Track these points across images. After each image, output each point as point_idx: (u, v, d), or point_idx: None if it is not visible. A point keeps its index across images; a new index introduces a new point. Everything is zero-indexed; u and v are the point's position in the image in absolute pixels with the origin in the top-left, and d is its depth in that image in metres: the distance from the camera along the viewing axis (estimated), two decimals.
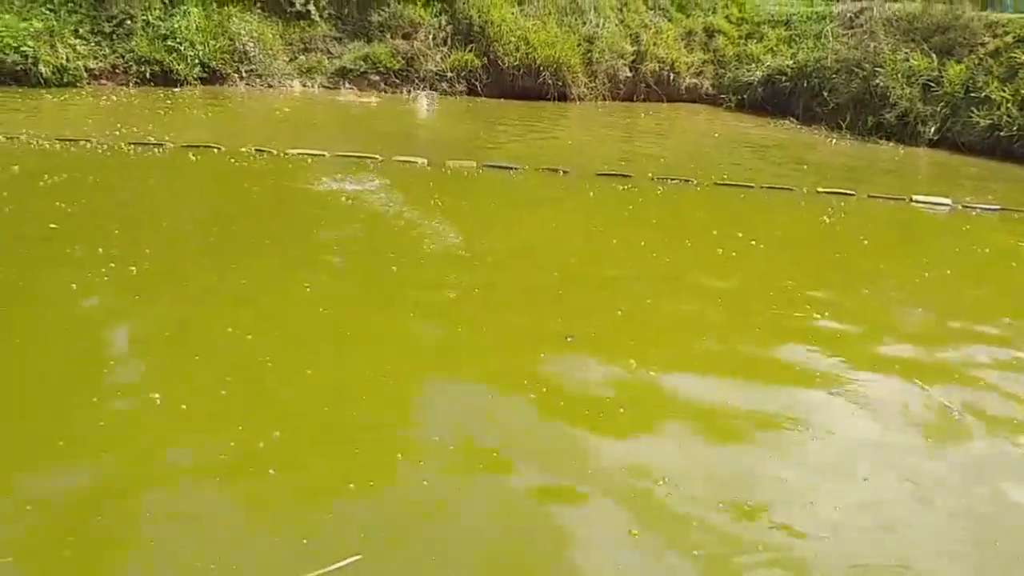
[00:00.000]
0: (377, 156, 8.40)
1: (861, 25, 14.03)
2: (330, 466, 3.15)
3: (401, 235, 6.07)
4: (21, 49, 11.35)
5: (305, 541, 2.67)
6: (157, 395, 3.49)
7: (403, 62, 14.15)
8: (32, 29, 11.62)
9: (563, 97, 14.63)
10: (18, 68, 11.37)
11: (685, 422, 3.64)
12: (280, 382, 3.71)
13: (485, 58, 14.39)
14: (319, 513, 2.84)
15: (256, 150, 8.38)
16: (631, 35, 15.49)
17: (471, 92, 14.46)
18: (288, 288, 4.77)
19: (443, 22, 14.47)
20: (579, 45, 14.82)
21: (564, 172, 8.35)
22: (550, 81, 14.44)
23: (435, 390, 3.81)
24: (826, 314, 4.92)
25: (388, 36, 14.36)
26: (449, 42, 14.52)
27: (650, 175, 8.42)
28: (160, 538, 2.67)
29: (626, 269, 5.67)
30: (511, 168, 8.35)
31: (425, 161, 8.38)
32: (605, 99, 15.29)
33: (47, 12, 12.06)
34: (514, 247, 6.05)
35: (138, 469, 3.05)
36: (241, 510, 2.88)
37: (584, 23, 15.12)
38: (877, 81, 12.36)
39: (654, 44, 15.42)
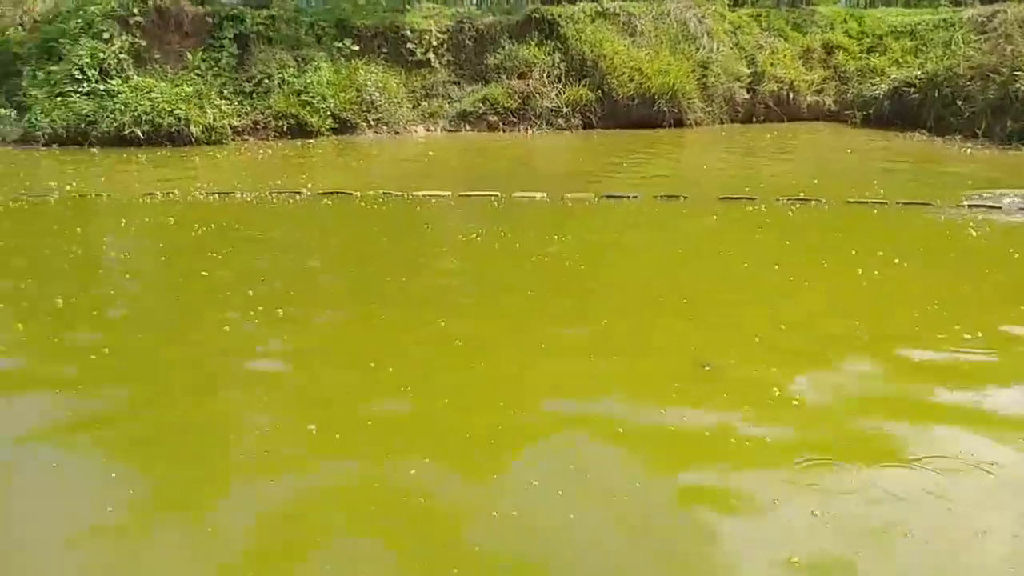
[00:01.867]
0: (497, 193, 8.65)
1: (995, 29, 13.35)
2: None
3: (525, 268, 6.22)
4: (175, 112, 12.44)
5: None
6: (313, 426, 3.70)
7: (519, 101, 14.54)
8: (183, 94, 12.73)
9: (679, 123, 14.62)
10: (172, 129, 12.44)
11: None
12: (419, 422, 3.87)
13: (599, 91, 14.59)
14: None
15: (384, 193, 8.79)
16: (746, 57, 15.34)
17: (586, 125, 14.67)
18: (423, 325, 4.95)
19: (556, 60, 14.78)
20: (693, 71, 14.81)
21: (684, 198, 8.34)
22: (665, 108, 14.47)
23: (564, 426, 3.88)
24: (979, 335, 4.66)
25: (504, 77, 14.81)
26: (563, 78, 14.81)
27: (776, 196, 8.27)
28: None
29: (759, 293, 5.58)
30: (630, 197, 8.42)
31: (544, 195, 8.55)
32: (722, 122, 15.17)
33: (196, 77, 13.20)
34: (638, 275, 6.08)
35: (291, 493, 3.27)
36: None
37: (697, 49, 15.10)
38: (1017, 86, 11.68)
39: (771, 64, 15.21)
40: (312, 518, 3.06)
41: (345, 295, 5.76)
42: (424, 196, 8.71)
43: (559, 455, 3.48)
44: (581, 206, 8.26)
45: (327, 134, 13.50)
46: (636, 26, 15.23)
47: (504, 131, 14.50)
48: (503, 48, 14.90)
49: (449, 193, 8.79)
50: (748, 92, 15.21)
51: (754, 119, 15.28)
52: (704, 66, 14.90)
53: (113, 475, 3.38)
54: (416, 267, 6.38)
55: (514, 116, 14.60)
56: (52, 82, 12.89)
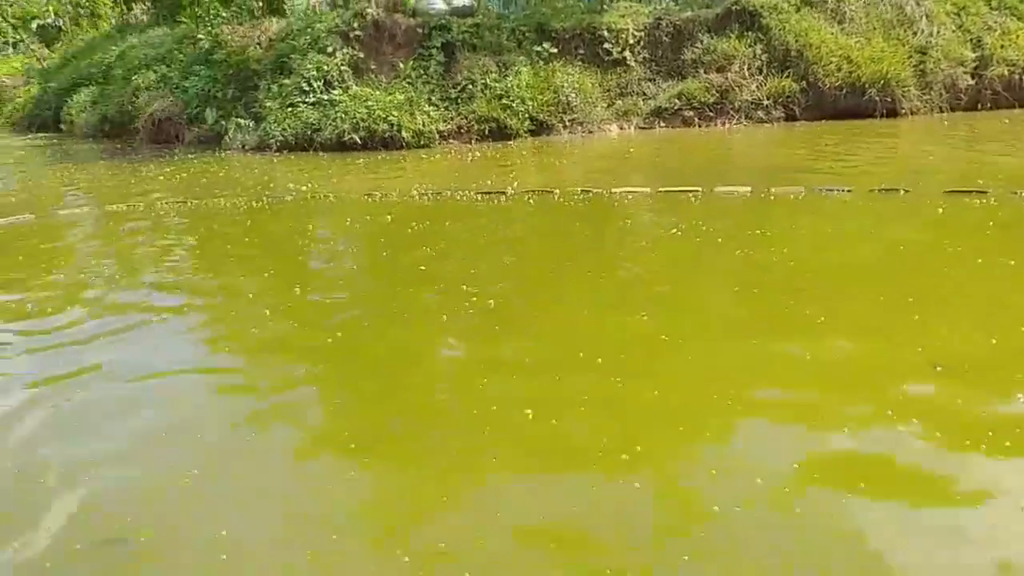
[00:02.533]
0: (698, 188, 8.57)
1: None
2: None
3: (729, 263, 6.15)
4: (388, 118, 13.39)
5: None
6: (530, 411, 3.91)
7: (716, 95, 14.27)
8: (396, 101, 13.67)
9: (892, 113, 13.72)
10: (386, 135, 13.42)
11: None
12: (634, 403, 3.96)
13: (803, 81, 14.01)
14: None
15: (584, 191, 8.98)
16: (972, 40, 14.11)
17: (788, 117, 14.14)
18: (626, 319, 5.05)
19: (758, 51, 14.36)
20: (909, 57, 13.86)
21: (905, 191, 7.85)
22: (876, 98, 13.65)
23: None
24: None
25: (701, 71, 14.60)
26: (764, 70, 14.36)
27: (1013, 189, 7.57)
28: None
29: (996, 291, 5.18)
30: (841, 191, 8.05)
31: (748, 190, 8.37)
32: (941, 111, 14.06)
33: (407, 85, 14.14)
34: (855, 270, 5.83)
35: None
36: None
37: (914, 33, 14.09)
38: None
39: (1001, 47, 13.87)
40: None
41: (549, 288, 5.93)
42: (622, 193, 8.81)
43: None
44: (788, 200, 8.00)
45: (525, 136, 13.96)
46: (845, 13, 14.47)
47: (700, 126, 14.28)
48: (701, 42, 14.70)
49: (648, 189, 8.84)
50: (972, 78, 13.98)
51: (979, 107, 14.02)
52: (922, 52, 13.90)
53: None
54: (615, 261, 6.50)
55: (711, 111, 14.35)
56: (283, 94, 14.32)
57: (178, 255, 7.47)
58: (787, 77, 14.08)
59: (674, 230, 7.17)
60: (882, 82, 13.56)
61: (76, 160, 15.24)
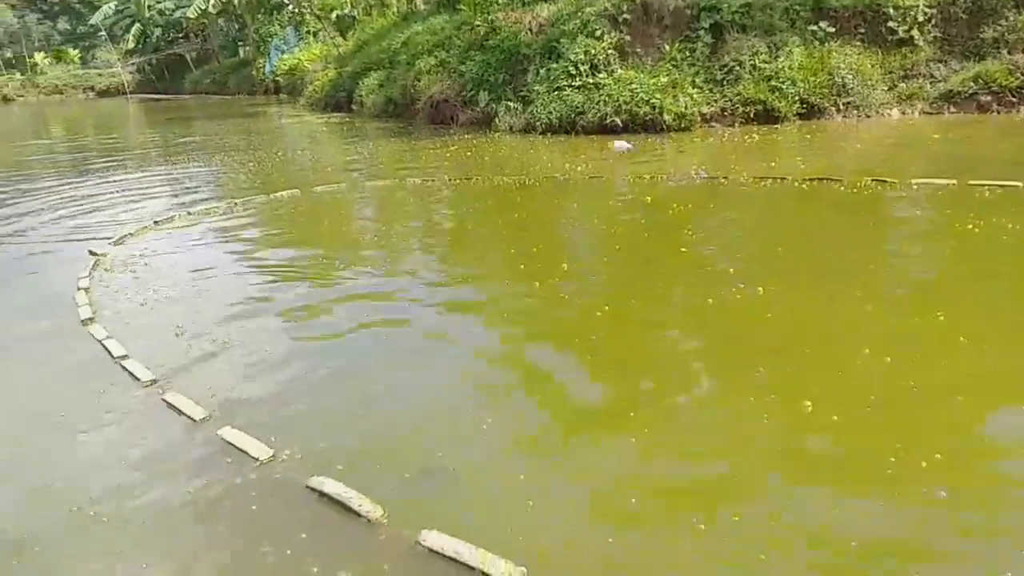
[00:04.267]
0: (1018, 184, 7.71)
1: None
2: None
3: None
4: (651, 101, 13.45)
5: None
6: (809, 403, 3.85)
7: (1022, 78, 12.67)
8: (659, 84, 13.68)
9: None
10: (648, 118, 13.50)
11: None
12: (926, 402, 3.78)
13: None
14: None
15: (875, 180, 8.44)
16: None
17: None
18: (915, 320, 4.78)
19: None
20: None
21: None
22: None
23: None
24: None
25: (1004, 51, 13.03)
26: None
27: None
28: None
29: None
30: None
31: None
32: None
33: (671, 67, 14.08)
34: None
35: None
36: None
37: None
38: None
39: None
40: None
41: (825, 280, 5.69)
42: (922, 184, 8.15)
43: None
44: None
45: (793, 119, 13.36)
46: None
47: (998, 112, 12.78)
48: (1006, 19, 13.10)
49: (954, 182, 8.10)
50: None
51: None
52: None
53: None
54: (908, 256, 6.13)
55: (1013, 96, 12.77)
56: (551, 78, 14.87)
57: (450, 227, 8.15)
58: None
59: (971, 226, 6.56)
60: None
61: (365, 137, 17.00)
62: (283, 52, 38.17)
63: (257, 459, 3.69)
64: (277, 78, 37.17)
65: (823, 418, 3.70)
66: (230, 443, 3.86)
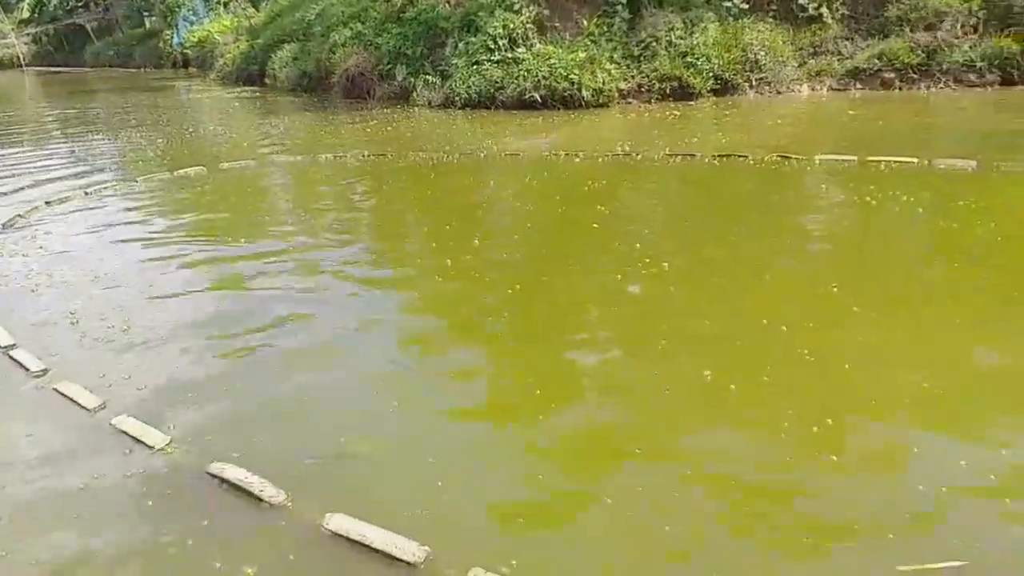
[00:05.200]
0: (913, 160, 7.97)
1: None
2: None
3: (934, 238, 5.81)
4: (569, 77, 13.43)
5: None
6: (709, 372, 3.91)
7: (923, 56, 13.17)
8: (577, 59, 13.65)
9: None
10: (566, 93, 13.47)
11: None
12: (817, 380, 3.85)
13: None
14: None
15: (780, 156, 8.61)
16: None
17: (1005, 82, 12.80)
18: (815, 290, 4.89)
19: (974, 7, 13.05)
20: None
21: None
22: None
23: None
24: None
25: (907, 29, 13.50)
26: (980, 28, 13.05)
27: None
28: None
29: None
30: None
31: (973, 164, 7.64)
32: None
33: (589, 43, 14.06)
34: None
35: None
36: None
37: None
38: None
39: None
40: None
41: (728, 253, 5.80)
42: (822, 160, 8.37)
43: None
44: (1008, 178, 7.30)
45: (707, 95, 13.55)
46: None
47: (901, 89, 13.26)
48: None
49: (854, 158, 8.34)
50: None
51: None
52: None
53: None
54: (805, 232, 6.28)
55: (915, 72, 13.26)
56: (470, 52, 14.67)
57: (365, 205, 7.98)
58: (1007, 36, 12.73)
59: (870, 199, 6.81)
60: None
61: (279, 112, 16.48)
62: (192, 23, 36.60)
63: (153, 447, 3.52)
64: (186, 51, 35.65)
65: (722, 387, 3.77)
66: (125, 432, 3.67)
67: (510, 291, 5.21)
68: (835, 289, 4.82)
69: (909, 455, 3.16)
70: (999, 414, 3.42)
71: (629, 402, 3.74)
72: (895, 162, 8.01)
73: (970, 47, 12.97)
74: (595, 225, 6.65)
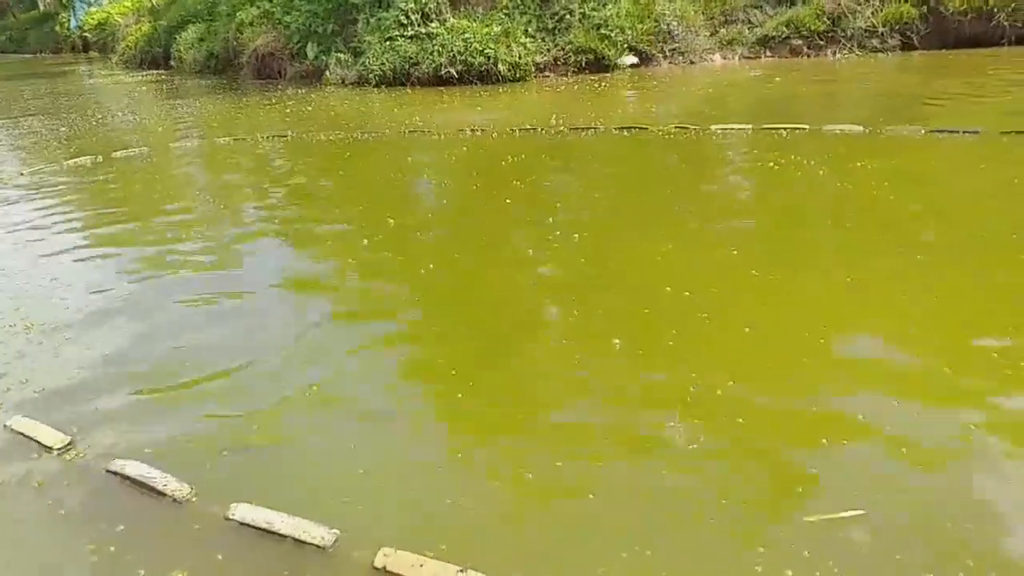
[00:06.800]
0: (805, 126, 8.21)
1: None
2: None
3: (825, 200, 5.97)
4: (485, 51, 13.31)
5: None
6: (618, 340, 3.95)
7: (828, 22, 13.54)
8: (492, 33, 13.55)
9: (1021, 40, 12.68)
10: (482, 68, 13.37)
11: None
12: (721, 333, 3.93)
13: (923, 7, 13.09)
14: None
15: (679, 127, 8.74)
16: None
17: (905, 46, 13.29)
18: (718, 254, 4.97)
19: None
20: None
21: None
22: (1006, 23, 12.62)
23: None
24: None
25: None
26: None
27: None
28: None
29: None
30: (967, 132, 7.50)
31: (860, 128, 7.96)
32: None
33: (503, 16, 13.96)
34: (959, 210, 5.54)
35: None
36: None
37: None
38: None
39: None
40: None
41: (636, 223, 5.87)
42: (720, 130, 8.54)
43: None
44: (902, 141, 7.59)
45: (623, 67, 13.64)
46: None
47: (809, 56, 13.64)
48: None
49: (749, 126, 8.53)
50: None
51: None
52: None
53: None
54: (705, 198, 6.39)
55: (821, 39, 13.65)
56: (382, 28, 14.38)
57: (276, 188, 7.77)
58: (906, 2, 13.19)
59: (772, 164, 6.99)
60: (1012, 5, 12.52)
61: (185, 96, 15.87)
62: (90, 5, 34.89)
63: (52, 448, 3.34)
64: (85, 34, 34.03)
65: (631, 353, 3.80)
66: (21, 433, 3.48)
67: (423, 271, 5.14)
68: (735, 253, 4.92)
69: (808, 413, 3.24)
70: (889, 370, 3.53)
71: (541, 375, 3.73)
72: (789, 128, 8.23)
73: (872, 13, 13.38)
74: (508, 201, 6.63)
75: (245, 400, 3.65)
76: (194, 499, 2.88)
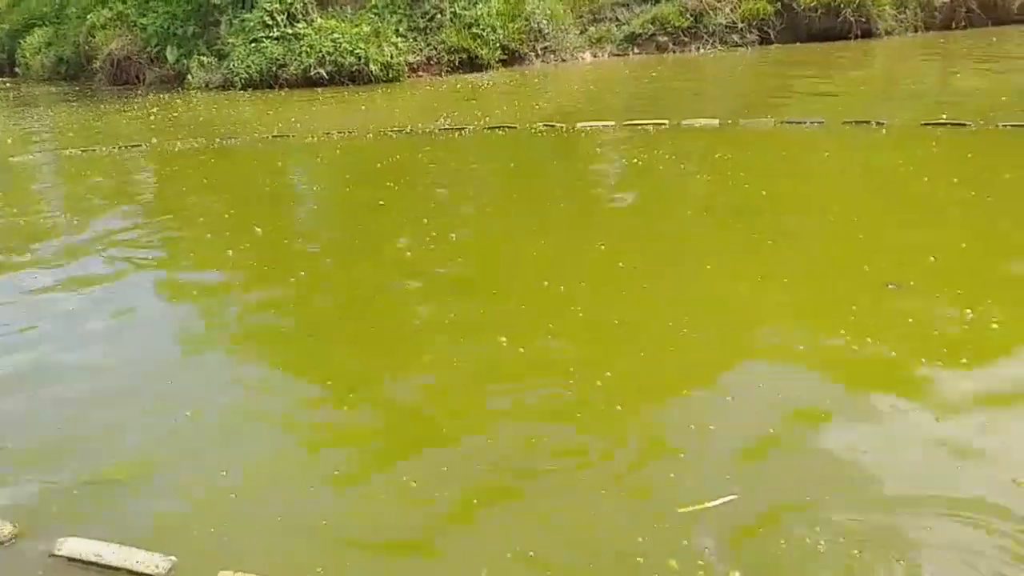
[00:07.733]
0: (665, 121, 8.39)
1: None
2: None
3: (686, 192, 6.14)
4: (355, 52, 13.03)
5: None
6: (504, 338, 3.89)
7: (691, 19, 14.00)
8: (362, 33, 13.28)
9: (867, 34, 13.53)
10: (354, 69, 13.08)
11: None
12: (596, 334, 3.92)
13: (778, 3, 13.75)
14: None
15: (547, 126, 8.76)
16: None
17: (763, 41, 13.92)
18: (587, 249, 5.00)
19: None
20: None
21: (878, 124, 7.61)
22: (852, 18, 13.43)
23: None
24: None
25: None
26: None
27: (995, 121, 7.18)
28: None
29: (948, 225, 5.12)
30: (813, 123, 7.82)
31: (716, 122, 8.20)
32: (916, 30, 13.89)
33: (372, 16, 13.70)
34: (814, 204, 5.79)
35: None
36: None
37: None
38: None
39: None
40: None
41: (507, 221, 5.87)
42: (587, 127, 8.62)
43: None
44: (755, 132, 7.87)
45: (496, 66, 13.66)
46: None
47: (674, 52, 14.06)
48: None
49: (614, 123, 8.64)
50: None
51: (954, 25, 13.84)
52: None
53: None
54: (572, 194, 6.46)
55: (685, 36, 14.09)
56: (246, 29, 13.85)
57: (139, 199, 7.33)
58: None
59: (636, 160, 7.14)
60: (857, 2, 13.34)
61: (35, 104, 14.78)
62: None
63: None
64: None
65: (513, 350, 3.75)
66: None
67: (293, 279, 4.92)
68: (602, 247, 4.97)
69: (677, 398, 3.27)
70: (762, 356, 3.62)
71: (422, 389, 3.60)
72: (651, 124, 8.39)
73: (731, 10, 13.94)
74: (381, 203, 6.47)
75: (113, 426, 3.36)
76: (14, 540, 2.60)
